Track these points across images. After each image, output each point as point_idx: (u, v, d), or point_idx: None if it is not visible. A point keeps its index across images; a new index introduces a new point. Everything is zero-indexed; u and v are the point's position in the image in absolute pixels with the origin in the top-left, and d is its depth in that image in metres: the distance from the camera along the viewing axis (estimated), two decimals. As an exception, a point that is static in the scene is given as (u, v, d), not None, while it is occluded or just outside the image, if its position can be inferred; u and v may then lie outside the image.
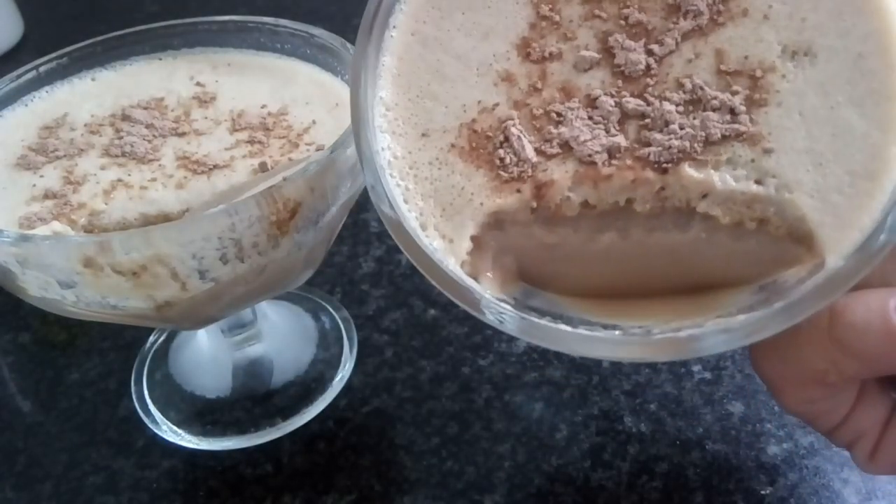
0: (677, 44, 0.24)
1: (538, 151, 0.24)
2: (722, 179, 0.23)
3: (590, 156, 0.24)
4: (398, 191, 0.25)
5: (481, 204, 0.24)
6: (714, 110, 0.23)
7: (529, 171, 0.24)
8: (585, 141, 0.24)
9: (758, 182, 0.23)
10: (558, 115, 0.25)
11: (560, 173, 0.24)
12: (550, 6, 0.26)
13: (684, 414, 0.37)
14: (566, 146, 0.24)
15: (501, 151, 0.24)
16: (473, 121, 0.25)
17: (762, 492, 0.33)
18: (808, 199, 0.22)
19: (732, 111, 0.23)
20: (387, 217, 0.24)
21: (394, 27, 0.26)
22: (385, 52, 0.26)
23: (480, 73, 0.25)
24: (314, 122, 0.34)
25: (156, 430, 0.38)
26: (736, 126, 0.23)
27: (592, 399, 0.38)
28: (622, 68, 0.24)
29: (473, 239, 0.24)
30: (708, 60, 0.24)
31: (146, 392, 0.40)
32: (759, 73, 0.24)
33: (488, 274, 0.25)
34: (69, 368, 0.42)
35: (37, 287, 0.28)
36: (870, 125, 0.22)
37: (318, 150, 0.32)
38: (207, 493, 0.35)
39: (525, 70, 0.25)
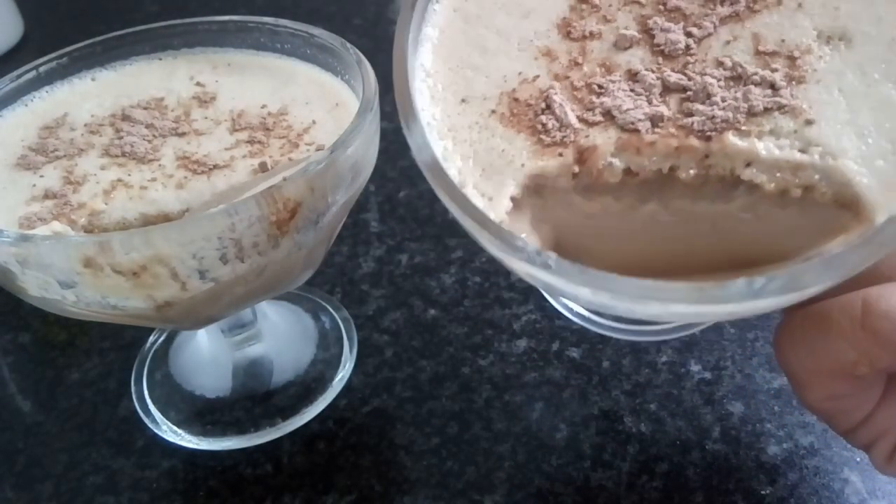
0: (715, 27, 0.25)
1: (580, 119, 0.24)
2: (766, 148, 0.23)
3: (633, 123, 0.24)
4: (437, 149, 0.24)
5: (522, 165, 0.24)
6: (755, 85, 0.24)
7: (572, 136, 0.24)
8: (628, 110, 0.24)
9: (801, 151, 0.23)
10: (599, 87, 0.25)
11: (603, 139, 0.24)
12: None
13: (684, 414, 0.37)
14: (608, 115, 0.24)
15: (543, 117, 0.24)
16: (514, 90, 0.25)
17: (762, 492, 0.33)
18: (853, 165, 0.22)
19: (773, 86, 0.24)
20: (424, 160, 0.23)
21: (437, 1, 0.27)
22: (427, 22, 0.27)
23: (521, 48, 0.26)
24: (314, 122, 0.34)
25: (156, 430, 0.38)
26: (777, 99, 0.23)
27: (592, 399, 0.38)
28: (662, 47, 0.25)
29: (513, 200, 0.24)
30: (746, 43, 0.25)
31: (146, 392, 0.40)
32: (796, 54, 0.24)
33: (524, 236, 0.24)
34: (69, 368, 0.42)
35: (37, 287, 0.28)
36: None
37: (318, 150, 0.32)
38: (207, 493, 0.35)
39: (565, 47, 0.26)
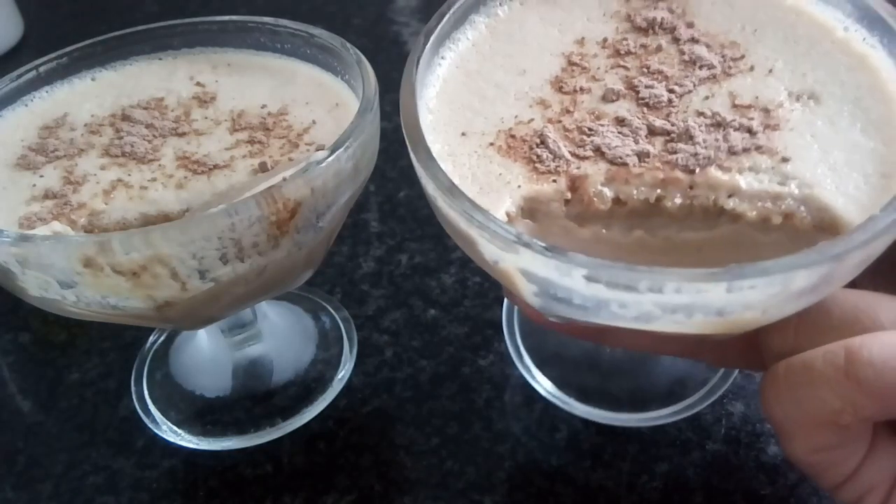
0: (695, 86, 0.28)
1: (572, 154, 0.26)
2: (747, 182, 0.25)
3: (621, 158, 0.26)
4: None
5: (519, 187, 0.26)
6: (734, 130, 0.26)
7: (565, 166, 0.26)
8: (616, 147, 0.26)
9: (780, 184, 0.25)
10: (590, 129, 0.27)
11: (594, 170, 0.26)
12: (580, 57, 0.30)
13: (684, 414, 0.37)
14: (598, 151, 0.26)
15: (538, 150, 0.26)
16: (510, 129, 0.27)
17: (762, 492, 0.33)
18: (828, 193, 0.24)
19: (750, 131, 0.26)
20: (423, 163, 0.24)
21: (442, 57, 0.30)
22: (433, 71, 0.29)
23: (517, 98, 0.29)
24: (314, 122, 0.34)
25: (156, 430, 0.38)
26: (755, 141, 0.26)
27: (592, 399, 0.38)
28: (646, 100, 0.28)
29: (508, 216, 0.25)
30: (723, 98, 0.27)
31: (146, 392, 0.40)
32: (770, 108, 0.27)
33: None
34: (69, 368, 0.42)
35: (37, 287, 0.28)
36: (875, 143, 0.25)
37: (318, 150, 0.32)
38: (207, 493, 0.35)
39: (558, 98, 0.28)
